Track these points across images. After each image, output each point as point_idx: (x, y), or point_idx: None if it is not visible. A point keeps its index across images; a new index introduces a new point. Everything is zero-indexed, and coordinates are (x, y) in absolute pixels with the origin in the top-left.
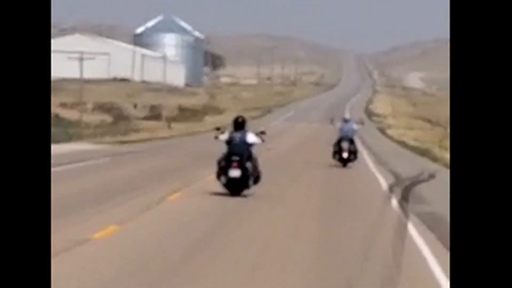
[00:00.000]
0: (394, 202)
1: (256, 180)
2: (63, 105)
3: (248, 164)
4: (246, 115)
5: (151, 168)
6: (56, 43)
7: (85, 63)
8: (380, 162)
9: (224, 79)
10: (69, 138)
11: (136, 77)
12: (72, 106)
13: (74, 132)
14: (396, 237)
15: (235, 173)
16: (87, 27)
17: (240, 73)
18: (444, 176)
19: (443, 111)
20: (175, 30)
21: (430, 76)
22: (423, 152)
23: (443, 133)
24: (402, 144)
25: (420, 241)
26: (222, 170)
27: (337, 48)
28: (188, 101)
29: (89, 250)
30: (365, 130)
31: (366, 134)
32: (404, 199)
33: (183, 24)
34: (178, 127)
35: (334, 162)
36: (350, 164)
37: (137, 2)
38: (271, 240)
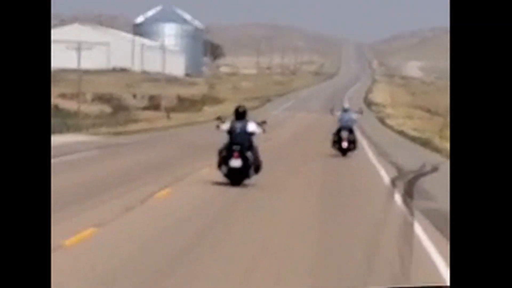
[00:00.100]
0: (398, 198)
1: (257, 169)
2: (63, 95)
3: (249, 154)
4: (245, 105)
5: (142, 161)
6: (55, 33)
7: (84, 53)
8: (380, 153)
9: (223, 69)
10: (67, 129)
11: (136, 67)
12: (71, 96)
13: (73, 123)
14: (403, 240)
15: (236, 163)
16: (87, 17)
17: (239, 63)
18: (447, 168)
19: (442, 100)
20: (175, 20)
21: (429, 65)
22: (424, 142)
23: (443, 122)
24: (402, 134)
25: (429, 243)
26: (223, 160)
27: (336, 37)
28: (188, 91)
29: (56, 261)
30: (364, 120)
31: (365, 124)
32: (407, 195)
33: (183, 13)
34: (177, 117)
35: (334, 152)
36: (349, 154)
37: None
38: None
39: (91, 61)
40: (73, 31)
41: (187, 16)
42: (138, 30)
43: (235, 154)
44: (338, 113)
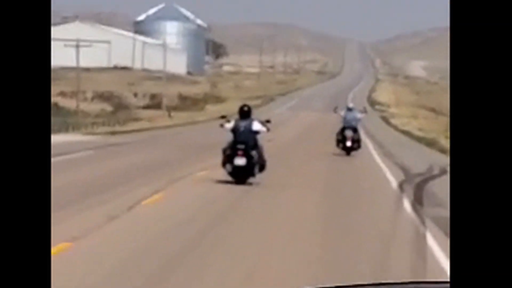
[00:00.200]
0: (407, 204)
1: (261, 168)
2: (63, 94)
3: (254, 152)
4: (248, 103)
5: (137, 163)
6: (56, 31)
7: (86, 51)
8: (386, 154)
9: (226, 68)
10: (65, 128)
11: (137, 65)
12: (71, 95)
13: (73, 121)
14: (416, 256)
15: (240, 161)
16: (88, 15)
17: (242, 62)
18: None
19: (446, 100)
20: (177, 18)
21: (433, 64)
22: (430, 143)
23: (448, 122)
24: (407, 133)
25: (444, 260)
26: (228, 158)
27: (339, 36)
28: (190, 90)
29: None
30: (368, 120)
31: (369, 124)
32: (417, 201)
33: (185, 11)
34: (178, 116)
35: (337, 153)
36: (354, 154)
37: None
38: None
39: (92, 59)
40: (74, 29)
41: (189, 14)
42: (139, 28)
43: (240, 152)
44: (342, 112)
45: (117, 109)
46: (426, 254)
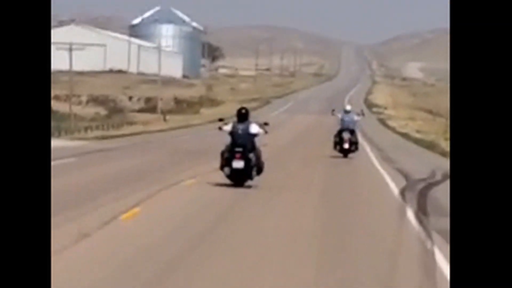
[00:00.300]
0: (410, 214)
1: (259, 171)
2: (57, 97)
3: (251, 155)
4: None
5: (120, 170)
6: (51, 35)
7: (81, 55)
8: (385, 158)
9: (222, 71)
10: (58, 133)
11: (133, 69)
12: (66, 98)
13: (66, 126)
14: (424, 276)
15: (238, 164)
16: (85, 19)
17: (238, 64)
18: None
19: (444, 102)
20: (172, 20)
21: (429, 66)
22: (430, 146)
23: (446, 124)
24: (406, 136)
25: None
26: (226, 161)
27: (336, 38)
28: (185, 93)
29: None
30: (365, 122)
31: (367, 126)
32: (421, 210)
33: (181, 14)
34: (173, 119)
35: (334, 156)
36: (352, 159)
37: None
38: None
39: (87, 62)
40: (69, 32)
41: (185, 17)
42: (135, 31)
43: (238, 155)
44: (340, 115)
45: (111, 113)
46: (435, 273)
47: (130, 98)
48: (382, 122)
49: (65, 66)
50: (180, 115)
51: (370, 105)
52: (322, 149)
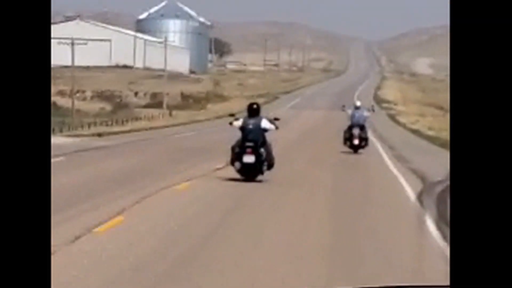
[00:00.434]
0: (430, 223)
1: (270, 166)
2: (61, 93)
3: (262, 150)
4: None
5: (109, 172)
6: (56, 30)
7: (86, 50)
8: (398, 157)
9: (230, 66)
10: (60, 129)
11: (139, 64)
12: (70, 94)
13: (70, 121)
14: None
15: (249, 159)
16: (92, 15)
17: (247, 60)
18: None
19: None
20: (180, 15)
21: (438, 62)
22: (444, 143)
23: None
24: (417, 133)
25: None
26: (237, 156)
27: (344, 34)
28: (192, 88)
29: None
30: (375, 118)
31: (377, 122)
32: (442, 219)
33: (188, 9)
34: (180, 115)
35: (344, 155)
36: (362, 158)
37: None
38: None
39: (92, 58)
40: (75, 27)
41: (192, 12)
42: (142, 26)
43: (249, 150)
44: (350, 110)
45: (117, 108)
46: None
47: (136, 93)
48: (392, 118)
49: (69, 61)
50: (187, 111)
51: (379, 101)
52: (331, 150)
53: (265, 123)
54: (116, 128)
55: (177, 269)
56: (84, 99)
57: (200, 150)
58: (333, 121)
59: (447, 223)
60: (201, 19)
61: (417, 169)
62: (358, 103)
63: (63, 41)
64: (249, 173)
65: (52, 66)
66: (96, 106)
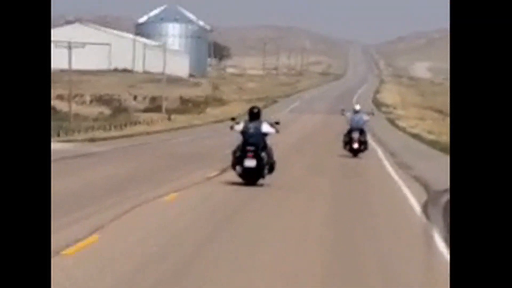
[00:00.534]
0: (438, 240)
1: (271, 169)
2: (60, 97)
3: (263, 154)
4: (249, 106)
5: (91, 182)
6: (55, 33)
7: (86, 53)
8: (399, 163)
9: (230, 70)
10: (57, 133)
11: (138, 68)
12: (68, 98)
13: (69, 126)
14: None
15: (250, 163)
16: (93, 19)
17: (246, 64)
18: None
19: None
20: (179, 19)
21: (437, 65)
22: (445, 148)
23: None
24: (417, 137)
25: None
26: (238, 160)
27: (342, 38)
28: (192, 92)
29: None
30: (375, 122)
31: (376, 127)
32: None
33: (188, 13)
34: (178, 119)
35: (344, 161)
36: (362, 165)
37: None
38: None
39: (92, 61)
40: (74, 31)
41: (192, 16)
42: (141, 30)
43: (250, 154)
44: (349, 114)
45: (116, 112)
46: None
47: (135, 97)
48: (392, 122)
49: (67, 65)
50: (186, 115)
51: (378, 105)
52: (330, 157)
53: (266, 127)
54: (113, 133)
55: None
56: (83, 103)
57: (195, 156)
58: (332, 125)
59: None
60: (201, 23)
61: (419, 176)
62: (358, 107)
63: (62, 44)
64: (250, 177)
65: (52, 70)
66: (95, 110)
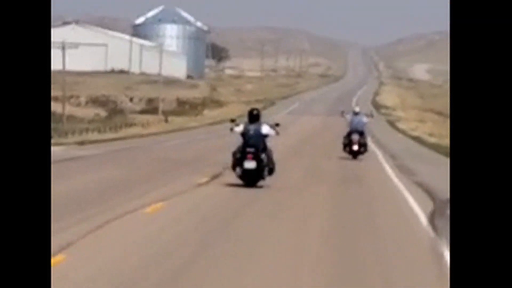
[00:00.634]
0: (448, 257)
1: (271, 171)
2: (55, 98)
3: (263, 156)
4: (247, 108)
5: (73, 190)
6: (53, 34)
7: (82, 54)
8: (400, 168)
9: (228, 71)
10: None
11: (135, 69)
12: (62, 99)
13: (63, 127)
14: None
15: (250, 164)
16: (90, 20)
17: (245, 65)
18: None
19: None
20: (177, 20)
21: (436, 67)
22: (447, 152)
23: None
24: (418, 140)
25: None
26: (238, 162)
27: (341, 40)
28: (189, 94)
29: None
30: (374, 124)
31: (376, 129)
32: None
33: (185, 14)
34: (175, 121)
35: (344, 168)
36: (363, 170)
37: None
38: None
39: (88, 62)
40: (70, 32)
41: (190, 17)
42: (138, 31)
43: (249, 156)
44: (349, 116)
45: (112, 114)
46: None
47: (131, 99)
48: (391, 124)
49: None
50: (183, 117)
51: (378, 106)
52: (328, 161)
53: (265, 129)
54: (106, 135)
55: None
56: (79, 104)
57: (188, 160)
58: (331, 127)
59: None
60: (199, 24)
61: (423, 182)
62: (357, 109)
63: (56, 45)
64: (250, 179)
65: None
66: (91, 111)
